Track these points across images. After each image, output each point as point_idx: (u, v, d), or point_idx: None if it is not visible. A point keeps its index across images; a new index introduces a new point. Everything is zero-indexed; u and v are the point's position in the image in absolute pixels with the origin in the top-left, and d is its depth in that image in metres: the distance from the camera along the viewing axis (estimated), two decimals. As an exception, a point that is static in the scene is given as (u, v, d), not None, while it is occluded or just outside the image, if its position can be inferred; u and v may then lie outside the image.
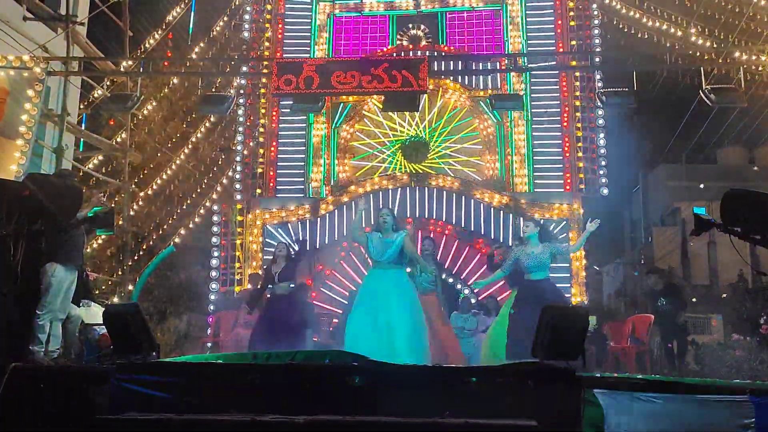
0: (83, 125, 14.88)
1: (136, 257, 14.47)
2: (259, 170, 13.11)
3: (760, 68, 11.73)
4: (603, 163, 12.62)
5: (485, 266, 9.48)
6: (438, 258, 11.51)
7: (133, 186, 15.10)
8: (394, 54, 12.86)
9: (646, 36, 14.74)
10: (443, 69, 12.86)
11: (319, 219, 12.20)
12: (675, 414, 4.47)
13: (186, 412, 4.48)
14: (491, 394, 4.48)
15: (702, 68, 10.16)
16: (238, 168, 13.18)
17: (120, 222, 13.57)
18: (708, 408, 4.49)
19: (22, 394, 4.75)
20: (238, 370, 4.86)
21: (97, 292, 11.36)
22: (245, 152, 13.17)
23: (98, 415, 4.54)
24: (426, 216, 11.92)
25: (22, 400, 4.74)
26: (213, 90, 13.17)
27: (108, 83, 14.28)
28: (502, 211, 11.93)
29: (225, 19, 15.43)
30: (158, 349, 5.33)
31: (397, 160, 12.97)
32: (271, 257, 8.22)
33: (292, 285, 7.80)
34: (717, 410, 4.49)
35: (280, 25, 13.76)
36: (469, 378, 4.56)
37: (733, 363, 10.31)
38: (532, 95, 12.88)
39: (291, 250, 8.11)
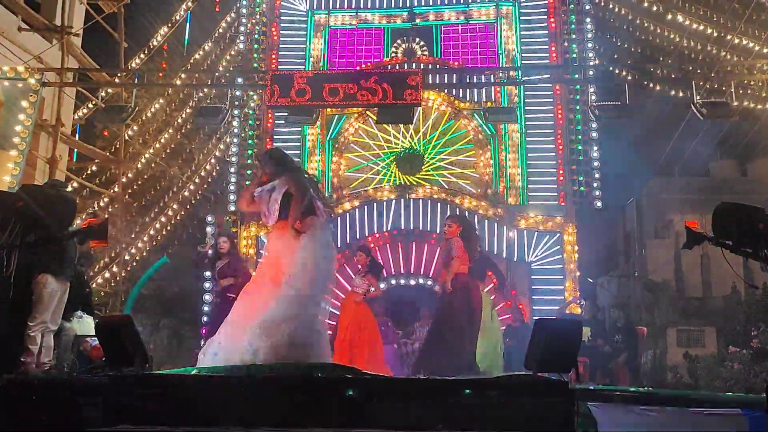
0: (77, 136, 14.89)
1: (129, 268, 14.42)
2: (254, 181, 13.13)
3: (751, 82, 11.83)
4: (597, 175, 12.66)
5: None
6: (429, 269, 11.55)
7: (127, 197, 15.09)
8: (389, 66, 12.92)
9: (640, 50, 14.86)
10: (438, 81, 12.92)
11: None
12: (668, 427, 4.47)
13: (179, 424, 4.46)
14: (485, 407, 4.48)
15: (693, 82, 10.23)
16: (233, 179, 13.18)
17: (113, 232, 13.55)
18: (702, 421, 4.50)
19: (14, 407, 4.72)
20: (232, 383, 4.85)
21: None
22: (240, 163, 13.18)
23: (90, 428, 4.52)
24: (420, 228, 11.93)
25: (13, 412, 4.71)
26: (208, 102, 13.20)
27: (103, 94, 14.29)
28: (496, 223, 11.95)
29: (220, 30, 15.49)
30: (151, 361, 5.31)
31: (392, 172, 13.00)
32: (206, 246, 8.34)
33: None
34: (711, 423, 4.49)
35: (275, 37, 13.80)
36: (463, 390, 4.55)
37: (728, 376, 10.33)
38: (526, 108, 12.94)
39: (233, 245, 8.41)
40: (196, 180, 15.95)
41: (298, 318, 5.59)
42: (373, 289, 8.64)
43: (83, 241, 6.40)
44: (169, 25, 14.95)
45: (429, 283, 11.53)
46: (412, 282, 11.60)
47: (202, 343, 10.88)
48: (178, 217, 15.62)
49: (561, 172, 12.66)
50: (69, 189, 8.97)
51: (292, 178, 5.89)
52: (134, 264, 14.60)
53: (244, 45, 13.74)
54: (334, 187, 12.99)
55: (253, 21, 13.87)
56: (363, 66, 13.03)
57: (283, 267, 5.74)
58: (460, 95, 13.13)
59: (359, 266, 8.76)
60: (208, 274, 12.29)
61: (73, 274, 6.44)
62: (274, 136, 13.32)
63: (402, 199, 12.10)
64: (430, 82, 12.45)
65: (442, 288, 7.35)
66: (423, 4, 13.75)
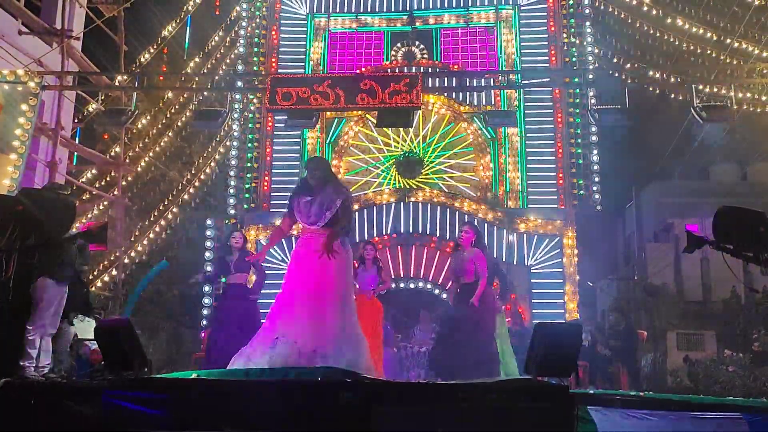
0: (77, 139, 14.90)
1: (129, 271, 14.40)
2: (253, 185, 13.12)
3: (751, 86, 11.84)
4: (596, 179, 12.67)
5: None
6: (429, 272, 11.56)
7: (127, 200, 15.08)
8: (389, 70, 12.92)
9: (640, 53, 14.88)
10: (437, 85, 12.93)
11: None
12: (668, 431, 4.46)
13: (178, 428, 4.45)
14: (484, 411, 4.47)
15: (693, 86, 10.23)
16: (232, 182, 13.17)
17: (113, 236, 13.52)
18: (701, 426, 4.49)
19: (13, 411, 4.72)
20: (231, 387, 4.84)
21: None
22: (239, 166, 13.18)
23: (89, 432, 4.51)
24: (420, 231, 11.93)
25: (12, 416, 4.70)
26: (207, 105, 13.20)
27: (102, 97, 14.30)
28: (495, 227, 11.95)
29: (220, 34, 15.50)
30: (150, 365, 5.30)
31: (391, 175, 13.00)
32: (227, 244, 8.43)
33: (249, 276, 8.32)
34: (710, 428, 4.48)
35: (275, 41, 13.81)
36: (463, 394, 4.54)
37: (726, 380, 10.32)
38: (526, 111, 12.94)
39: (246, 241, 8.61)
40: (196, 183, 15.94)
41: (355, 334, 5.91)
42: (382, 283, 8.46)
43: (84, 247, 6.41)
44: (169, 28, 14.96)
45: (428, 286, 11.53)
46: (412, 285, 11.59)
47: (202, 347, 10.95)
48: (178, 221, 15.61)
49: (561, 175, 12.67)
50: (68, 192, 8.96)
51: (348, 195, 6.29)
52: (134, 267, 14.59)
53: (244, 48, 13.75)
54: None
55: (253, 24, 13.87)
56: (363, 69, 13.03)
57: (339, 278, 6.01)
58: (460, 99, 13.13)
59: (368, 259, 8.52)
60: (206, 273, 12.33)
61: (72, 277, 6.43)
62: (275, 140, 13.33)
63: (402, 203, 12.10)
64: (430, 85, 12.46)
65: (467, 304, 7.46)
66: (423, 7, 13.77)
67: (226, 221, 12.79)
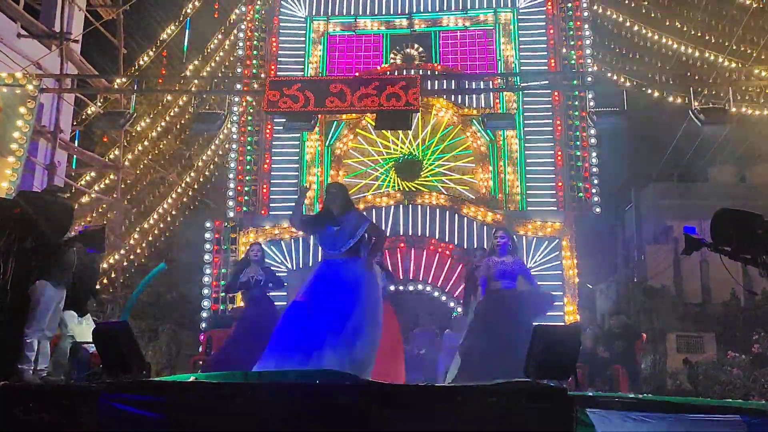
0: (76, 142, 14.91)
1: (127, 274, 14.40)
2: (252, 187, 13.11)
3: (749, 88, 11.85)
4: (595, 181, 12.68)
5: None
6: (429, 275, 11.56)
7: (126, 203, 15.08)
8: (388, 72, 12.93)
9: (638, 56, 14.89)
10: (436, 87, 12.92)
11: (311, 236, 12.19)
12: (667, 433, 4.45)
13: (176, 431, 4.44)
14: (483, 414, 4.46)
15: (691, 88, 10.25)
16: (231, 185, 13.17)
17: (112, 239, 13.54)
18: (700, 428, 4.48)
19: (11, 413, 4.70)
20: (230, 390, 4.83)
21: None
22: (238, 169, 13.17)
23: (87, 435, 4.50)
24: (419, 234, 11.94)
25: (10, 419, 4.69)
26: (206, 108, 13.20)
27: (101, 100, 14.31)
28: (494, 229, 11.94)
29: (219, 37, 15.51)
30: (149, 368, 5.29)
31: (391, 178, 13.00)
32: (245, 257, 8.33)
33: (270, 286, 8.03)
34: (710, 430, 4.47)
35: (274, 43, 13.81)
36: (461, 397, 4.53)
37: (727, 381, 10.32)
38: (525, 114, 12.95)
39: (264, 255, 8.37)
40: (195, 186, 15.95)
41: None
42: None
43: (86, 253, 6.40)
44: (168, 31, 14.98)
45: (428, 289, 11.53)
46: (411, 288, 11.59)
47: (200, 349, 10.94)
48: (177, 224, 15.61)
49: (560, 177, 12.67)
50: (67, 195, 8.98)
51: (371, 220, 6.46)
52: (132, 270, 14.58)
53: (243, 51, 13.76)
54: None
55: (252, 27, 13.87)
56: (361, 72, 13.03)
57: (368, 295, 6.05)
58: (459, 101, 13.14)
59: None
60: (206, 280, 12.33)
61: (70, 280, 6.43)
62: (273, 142, 13.32)
63: (401, 205, 12.11)
64: (429, 87, 12.46)
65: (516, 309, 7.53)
66: (422, 10, 13.78)
67: (225, 224, 12.79)
